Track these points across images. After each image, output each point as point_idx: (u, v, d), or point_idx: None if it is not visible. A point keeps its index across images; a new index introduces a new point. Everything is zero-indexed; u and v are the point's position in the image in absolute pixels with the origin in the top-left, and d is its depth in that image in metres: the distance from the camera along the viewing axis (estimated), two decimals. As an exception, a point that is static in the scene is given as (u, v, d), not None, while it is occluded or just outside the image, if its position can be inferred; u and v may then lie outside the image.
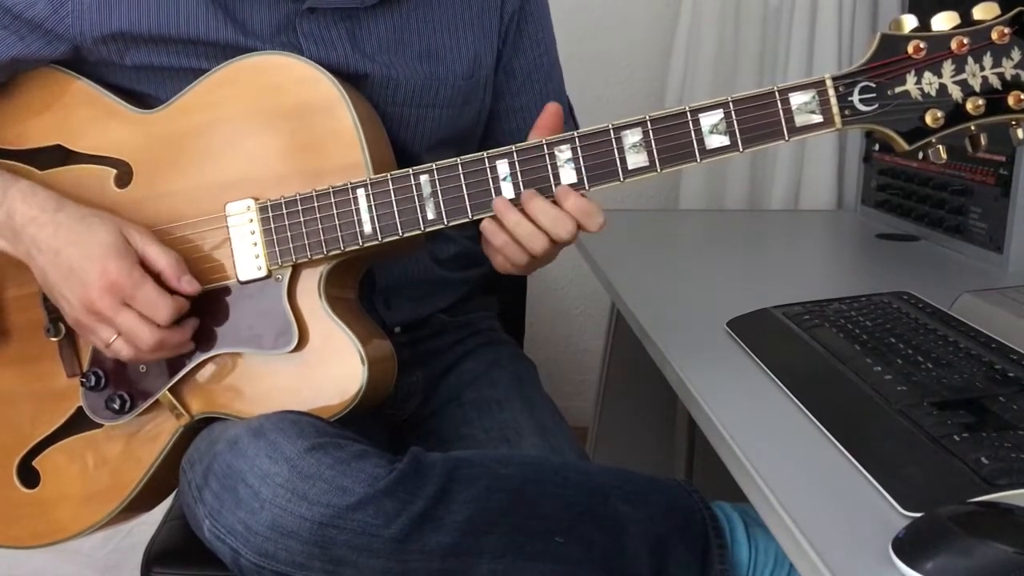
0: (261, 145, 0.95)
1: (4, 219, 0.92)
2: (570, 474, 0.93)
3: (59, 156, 0.99)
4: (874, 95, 0.85)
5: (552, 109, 0.91)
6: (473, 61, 1.08)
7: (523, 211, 0.88)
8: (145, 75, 1.00)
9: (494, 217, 0.89)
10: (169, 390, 0.96)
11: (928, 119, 0.84)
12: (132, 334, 0.90)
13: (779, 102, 0.86)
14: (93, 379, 0.97)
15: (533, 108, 1.14)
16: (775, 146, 0.87)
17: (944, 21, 0.84)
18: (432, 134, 1.07)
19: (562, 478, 0.92)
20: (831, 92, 0.85)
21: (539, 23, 1.14)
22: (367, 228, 0.92)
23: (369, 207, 0.92)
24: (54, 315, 0.98)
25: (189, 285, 0.92)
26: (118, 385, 0.97)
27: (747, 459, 0.74)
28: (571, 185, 0.89)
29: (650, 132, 0.87)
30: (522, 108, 1.15)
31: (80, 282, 0.89)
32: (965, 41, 0.83)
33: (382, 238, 0.92)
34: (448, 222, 0.91)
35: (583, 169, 0.89)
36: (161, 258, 0.91)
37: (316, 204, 0.92)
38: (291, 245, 0.93)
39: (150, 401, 0.96)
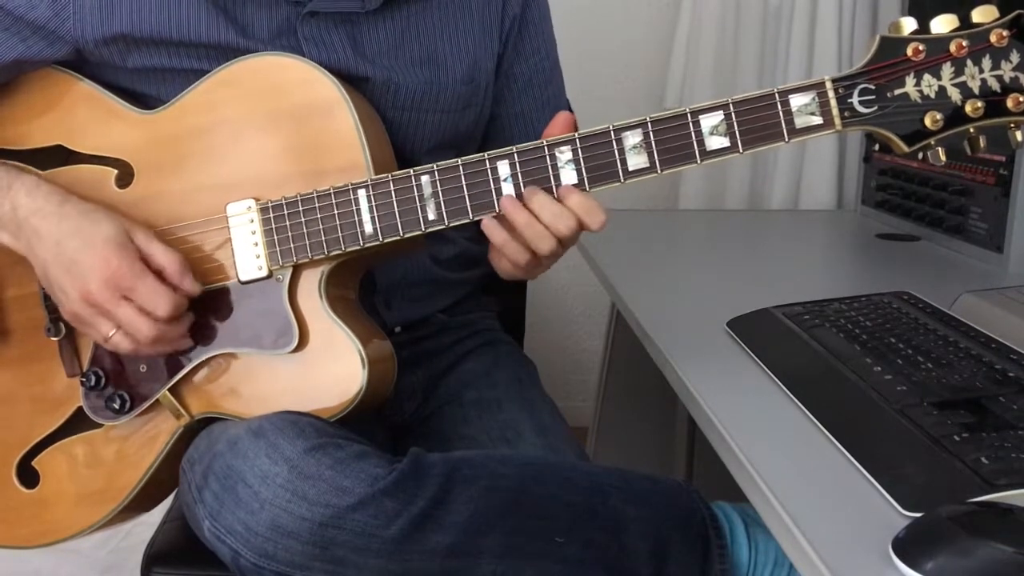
0: (262, 145, 0.95)
1: (8, 212, 0.93)
2: (570, 474, 0.93)
3: (60, 156, 0.99)
4: (873, 97, 0.85)
5: (562, 119, 0.91)
6: (473, 66, 1.08)
7: (527, 207, 0.88)
8: (146, 76, 1.00)
9: (494, 216, 0.89)
10: (169, 390, 0.96)
11: (927, 121, 0.85)
12: (131, 327, 0.90)
13: (779, 104, 0.86)
14: (93, 379, 0.97)
15: (534, 112, 1.14)
16: (775, 148, 0.88)
17: (943, 24, 0.84)
18: (431, 138, 1.07)
19: (562, 478, 0.92)
20: (831, 94, 0.85)
21: (540, 27, 1.14)
22: (368, 228, 0.92)
23: (370, 207, 0.92)
24: (54, 315, 0.98)
25: (191, 286, 0.92)
26: (118, 385, 0.97)
27: (747, 459, 0.74)
28: (572, 186, 0.89)
29: (650, 133, 0.88)
30: (523, 113, 1.15)
31: (80, 274, 0.89)
32: (964, 44, 0.83)
33: (383, 239, 0.92)
34: (449, 223, 0.91)
35: (584, 170, 0.89)
36: (164, 257, 0.91)
37: (317, 204, 0.92)
38: (292, 245, 0.93)
39: (150, 401, 0.96)
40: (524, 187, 0.89)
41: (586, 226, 0.89)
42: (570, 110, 1.20)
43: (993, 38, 0.83)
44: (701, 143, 0.87)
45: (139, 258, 0.90)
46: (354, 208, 0.92)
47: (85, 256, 0.89)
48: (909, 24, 0.85)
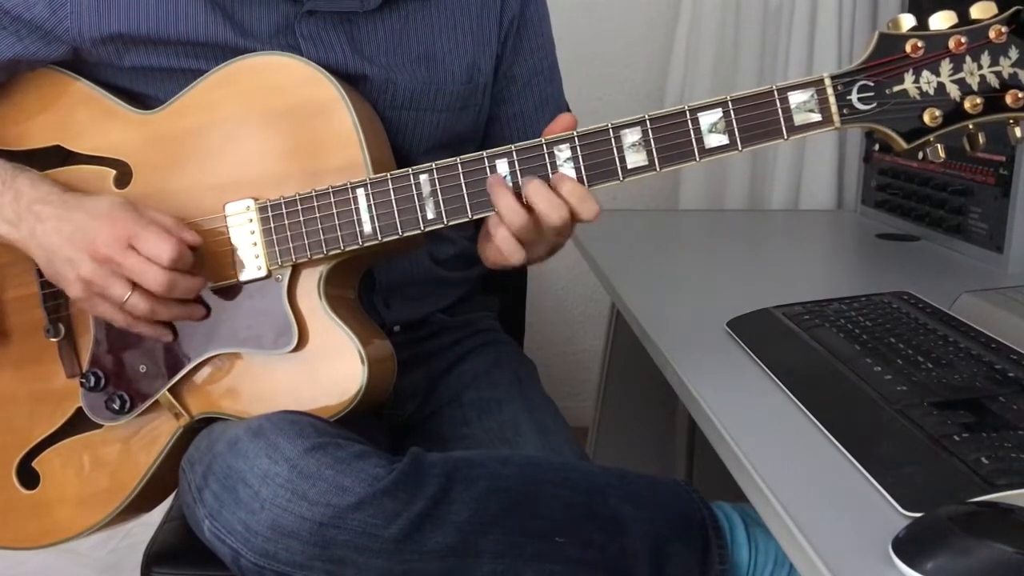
0: (261, 145, 0.95)
1: (10, 201, 0.93)
2: (570, 474, 0.93)
3: (59, 157, 0.99)
4: (872, 94, 0.85)
5: (564, 120, 0.90)
6: (471, 66, 1.08)
7: (522, 194, 0.88)
8: (144, 76, 1.00)
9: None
10: (169, 390, 0.96)
11: (926, 118, 0.85)
12: (142, 276, 0.88)
13: (778, 101, 0.86)
14: (93, 379, 0.97)
15: (534, 113, 1.14)
16: (774, 145, 0.87)
17: (942, 20, 0.84)
18: (429, 138, 1.07)
19: (562, 478, 0.92)
20: (830, 91, 0.85)
21: (539, 27, 1.14)
22: (367, 228, 0.92)
23: (369, 207, 0.92)
24: (54, 316, 0.98)
25: (191, 236, 0.92)
26: (118, 385, 0.97)
27: (747, 459, 0.74)
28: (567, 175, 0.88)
29: (649, 131, 0.87)
30: (523, 113, 1.15)
31: (85, 237, 0.89)
32: (963, 40, 0.83)
33: (382, 238, 0.92)
34: (448, 221, 0.91)
35: (582, 168, 0.88)
36: (161, 216, 0.91)
37: (316, 204, 0.92)
38: (291, 245, 0.93)
39: (150, 402, 0.96)
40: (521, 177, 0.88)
41: (579, 216, 0.88)
42: (568, 110, 1.20)
43: (992, 34, 0.83)
44: (700, 141, 0.87)
45: (140, 214, 0.91)
46: (353, 208, 0.92)
47: (89, 222, 0.90)
48: (908, 21, 0.85)
